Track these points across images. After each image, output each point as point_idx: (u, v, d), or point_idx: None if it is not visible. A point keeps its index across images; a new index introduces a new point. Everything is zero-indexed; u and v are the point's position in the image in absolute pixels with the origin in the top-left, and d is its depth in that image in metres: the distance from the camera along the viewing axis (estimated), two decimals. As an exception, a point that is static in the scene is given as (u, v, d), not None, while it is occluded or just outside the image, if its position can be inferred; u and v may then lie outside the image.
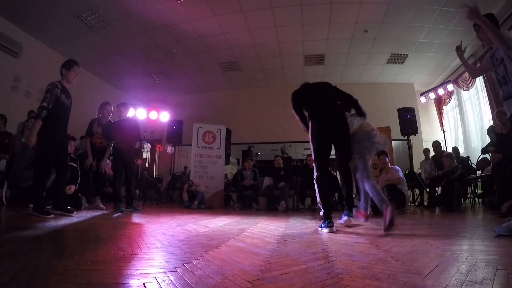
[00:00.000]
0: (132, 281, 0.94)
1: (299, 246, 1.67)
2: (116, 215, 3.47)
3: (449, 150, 6.37)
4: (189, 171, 6.95)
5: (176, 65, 7.71)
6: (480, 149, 5.24)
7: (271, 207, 5.71)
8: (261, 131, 8.67)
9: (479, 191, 5.13)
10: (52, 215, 2.70)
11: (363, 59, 7.31)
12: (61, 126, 2.99)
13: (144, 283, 0.91)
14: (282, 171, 5.98)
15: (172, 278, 0.98)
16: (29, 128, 4.75)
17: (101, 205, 4.14)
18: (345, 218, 2.73)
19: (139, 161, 4.21)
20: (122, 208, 3.85)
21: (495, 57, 2.16)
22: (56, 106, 2.86)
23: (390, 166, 4.53)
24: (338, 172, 6.37)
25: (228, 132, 7.36)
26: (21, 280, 0.91)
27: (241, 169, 6.42)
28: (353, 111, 2.73)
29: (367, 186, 2.46)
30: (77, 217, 2.93)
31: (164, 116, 7.83)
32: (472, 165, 5.58)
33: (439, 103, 7.85)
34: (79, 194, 4.02)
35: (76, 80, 3.11)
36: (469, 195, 5.23)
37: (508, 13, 5.17)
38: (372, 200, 4.75)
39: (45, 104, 2.77)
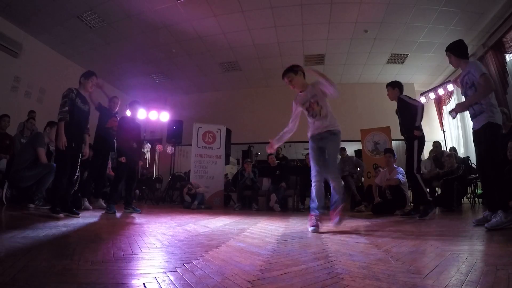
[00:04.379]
0: (132, 281, 0.94)
1: (299, 246, 1.67)
2: (110, 214, 3.47)
3: (448, 150, 6.37)
4: (189, 171, 6.95)
5: (176, 65, 7.71)
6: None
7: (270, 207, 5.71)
8: (261, 131, 8.66)
9: (479, 191, 5.13)
10: (62, 215, 2.84)
11: (363, 59, 7.30)
12: (77, 129, 3.09)
13: (144, 283, 0.91)
14: (278, 171, 5.98)
15: (172, 278, 0.98)
16: (28, 128, 4.78)
17: (104, 205, 4.14)
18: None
19: (141, 163, 4.24)
20: (114, 209, 3.72)
21: (465, 81, 2.54)
22: (71, 110, 2.99)
23: (394, 166, 4.51)
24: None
25: (228, 132, 7.36)
26: (21, 280, 0.91)
27: (241, 169, 6.43)
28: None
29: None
30: (77, 217, 2.93)
31: (164, 116, 7.83)
32: (472, 165, 5.57)
33: (439, 103, 7.85)
34: (79, 194, 4.02)
35: (93, 89, 3.32)
36: (469, 195, 5.22)
37: (508, 13, 5.17)
38: (372, 201, 4.74)
39: (66, 108, 2.93)
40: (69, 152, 2.98)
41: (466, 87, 2.54)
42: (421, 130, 3.43)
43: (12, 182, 3.64)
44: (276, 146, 2.72)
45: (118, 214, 3.52)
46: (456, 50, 2.64)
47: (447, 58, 2.75)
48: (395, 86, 3.64)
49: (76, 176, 3.30)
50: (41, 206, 3.43)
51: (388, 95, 3.70)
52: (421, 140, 3.45)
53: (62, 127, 2.89)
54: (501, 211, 2.19)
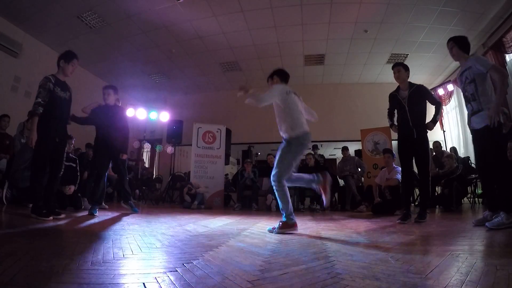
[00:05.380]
0: (132, 281, 0.94)
1: (299, 246, 1.67)
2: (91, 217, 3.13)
3: (449, 150, 6.37)
4: (189, 172, 6.95)
5: (176, 65, 7.71)
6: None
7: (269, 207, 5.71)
8: (261, 131, 8.67)
9: (479, 191, 5.13)
10: (51, 217, 2.58)
11: (363, 59, 7.31)
12: (58, 121, 2.80)
13: (144, 283, 0.91)
14: None
15: (172, 278, 0.98)
16: (28, 129, 4.76)
17: (104, 205, 4.13)
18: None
19: (125, 156, 3.71)
20: (96, 211, 3.35)
21: (465, 75, 2.48)
22: (50, 100, 2.69)
23: (394, 166, 4.51)
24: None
25: (228, 132, 7.36)
26: (21, 280, 0.91)
27: (242, 169, 6.42)
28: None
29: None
30: (77, 217, 2.93)
31: (164, 116, 7.83)
32: (472, 165, 5.58)
33: (439, 103, 7.85)
34: (79, 194, 4.02)
35: (73, 74, 2.93)
36: (469, 195, 5.23)
37: (508, 13, 5.17)
38: (372, 201, 4.68)
39: (39, 100, 2.63)
40: (52, 148, 2.73)
41: (465, 82, 2.49)
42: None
43: (12, 182, 3.64)
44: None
45: (115, 214, 3.52)
46: (460, 43, 2.60)
47: (447, 58, 2.73)
48: (408, 69, 3.22)
49: (61, 172, 3.00)
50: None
51: (397, 75, 3.19)
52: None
53: (35, 122, 2.59)
54: (503, 212, 2.18)
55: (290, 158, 2.32)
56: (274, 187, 2.33)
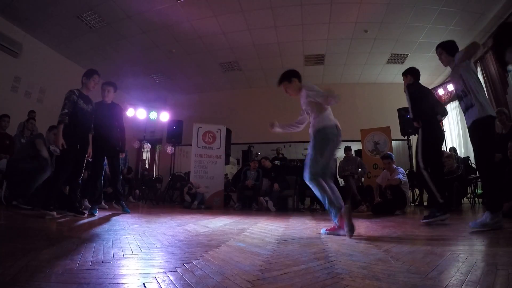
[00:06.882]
0: (132, 281, 0.94)
1: (299, 246, 1.67)
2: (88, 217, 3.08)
3: (448, 150, 6.37)
4: (189, 172, 6.94)
5: (176, 65, 7.71)
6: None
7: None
8: (261, 131, 8.65)
9: (479, 191, 5.13)
10: (54, 212, 2.79)
11: (363, 59, 7.31)
12: (81, 130, 3.13)
13: (144, 283, 0.92)
14: (272, 173, 5.98)
15: (172, 278, 0.98)
16: (28, 129, 4.79)
17: (104, 204, 4.13)
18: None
19: (123, 155, 3.67)
20: (96, 210, 3.35)
21: (452, 75, 2.55)
22: (74, 111, 3.01)
23: (394, 167, 4.51)
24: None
25: (228, 132, 7.36)
26: (21, 280, 0.91)
27: (245, 169, 6.40)
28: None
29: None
30: (77, 217, 2.93)
31: (164, 116, 7.83)
32: (472, 165, 5.57)
33: (439, 103, 7.85)
34: (79, 195, 4.01)
35: (95, 87, 3.30)
36: (469, 195, 5.22)
37: (508, 13, 5.17)
38: (372, 201, 4.68)
39: (66, 110, 2.94)
40: (74, 154, 3.02)
41: (455, 81, 2.52)
42: (418, 121, 2.94)
43: (7, 174, 3.65)
44: (277, 129, 2.70)
45: (108, 212, 3.53)
46: (449, 48, 2.63)
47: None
48: (407, 73, 3.20)
49: (81, 176, 3.34)
50: (22, 204, 3.47)
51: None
52: (427, 129, 2.91)
53: (60, 130, 2.91)
54: (488, 212, 2.10)
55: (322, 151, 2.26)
56: (311, 185, 2.25)
